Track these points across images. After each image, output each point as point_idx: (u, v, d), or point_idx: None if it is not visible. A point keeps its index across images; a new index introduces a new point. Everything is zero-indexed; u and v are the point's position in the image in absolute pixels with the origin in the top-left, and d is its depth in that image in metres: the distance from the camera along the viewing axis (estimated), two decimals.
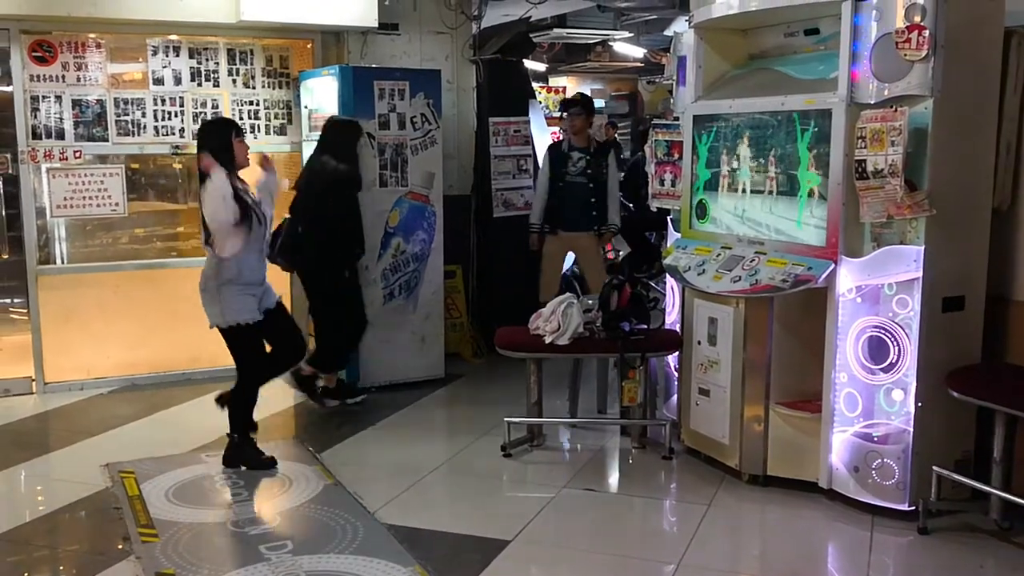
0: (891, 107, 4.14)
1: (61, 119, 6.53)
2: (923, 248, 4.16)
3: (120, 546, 4.20)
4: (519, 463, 5.32)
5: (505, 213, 7.69)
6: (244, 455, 5.11)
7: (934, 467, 4.25)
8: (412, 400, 6.48)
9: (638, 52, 14.40)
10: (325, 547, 4.26)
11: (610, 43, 14.07)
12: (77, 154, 6.57)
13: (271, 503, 4.73)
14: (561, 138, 9.88)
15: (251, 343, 5.02)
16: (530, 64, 11.40)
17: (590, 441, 5.67)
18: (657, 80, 17.28)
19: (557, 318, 5.27)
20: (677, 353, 5.39)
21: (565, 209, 6.94)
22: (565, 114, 7.04)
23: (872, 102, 4.24)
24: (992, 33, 4.32)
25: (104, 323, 6.79)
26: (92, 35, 6.58)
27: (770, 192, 4.77)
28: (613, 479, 5.27)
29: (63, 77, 6.52)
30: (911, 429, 4.26)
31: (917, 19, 4.05)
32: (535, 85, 12.82)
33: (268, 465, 5.10)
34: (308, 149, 6.97)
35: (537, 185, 7.17)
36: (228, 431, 5.15)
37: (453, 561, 4.07)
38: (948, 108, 4.14)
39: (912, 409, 4.25)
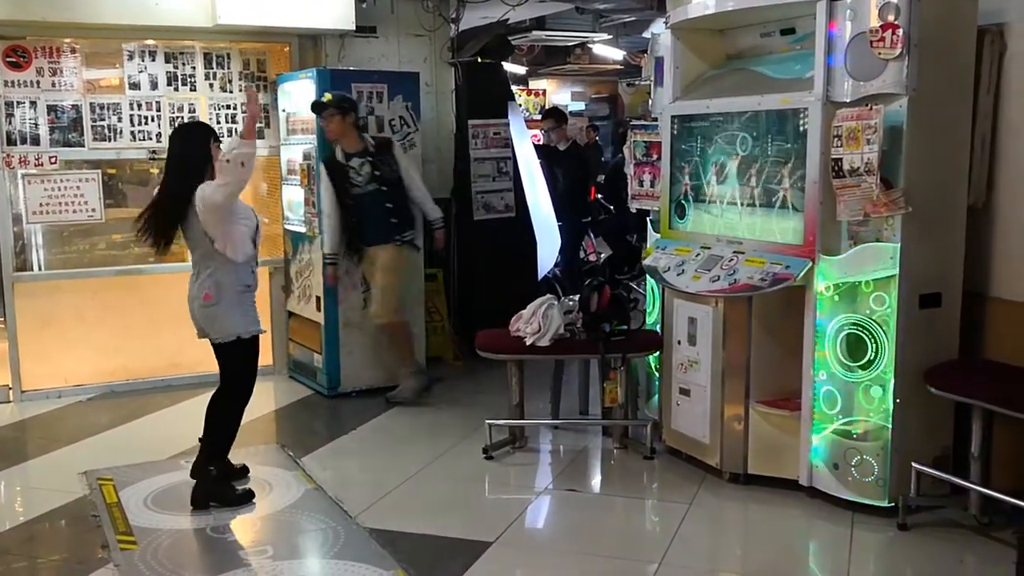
0: (866, 105, 4.16)
1: (36, 125, 6.48)
2: (900, 245, 4.19)
3: (99, 554, 4.16)
4: (501, 465, 5.31)
5: (485, 216, 7.68)
6: (220, 491, 4.71)
7: (913, 463, 4.27)
8: (393, 404, 6.45)
9: (617, 54, 14.45)
10: (306, 552, 4.25)
11: (589, 45, 14.12)
12: (53, 160, 6.52)
13: (251, 509, 4.69)
14: (541, 142, 9.97)
15: (257, 354, 4.77)
16: (510, 67, 11.43)
17: (572, 442, 5.67)
18: (637, 82, 17.35)
19: (538, 319, 5.27)
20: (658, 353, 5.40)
21: (364, 225, 6.25)
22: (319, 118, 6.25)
23: (847, 100, 4.26)
24: (966, 31, 4.35)
25: (82, 330, 6.74)
26: (67, 40, 6.53)
27: (750, 198, 4.79)
28: (595, 480, 5.27)
29: (38, 82, 6.47)
30: (890, 426, 4.28)
31: (891, 18, 4.08)
32: (515, 88, 12.89)
33: (248, 499, 4.75)
34: (286, 153, 6.97)
35: (324, 208, 6.30)
36: (199, 467, 4.76)
37: (435, 564, 4.06)
38: (923, 106, 4.16)
39: (891, 406, 4.27)
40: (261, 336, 4.76)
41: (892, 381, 4.25)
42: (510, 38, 8.97)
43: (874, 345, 4.28)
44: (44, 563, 4.24)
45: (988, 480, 4.25)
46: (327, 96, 6.17)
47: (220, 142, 4.72)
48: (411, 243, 6.44)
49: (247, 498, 4.74)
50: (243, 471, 5.02)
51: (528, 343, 5.22)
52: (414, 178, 6.41)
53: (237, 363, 4.69)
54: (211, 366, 4.86)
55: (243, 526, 4.52)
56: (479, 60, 7.85)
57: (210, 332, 4.64)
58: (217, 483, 4.73)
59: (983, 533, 4.22)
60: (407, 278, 6.55)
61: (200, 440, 4.87)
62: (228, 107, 7.00)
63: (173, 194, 4.58)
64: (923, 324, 4.31)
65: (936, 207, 4.30)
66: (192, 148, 4.60)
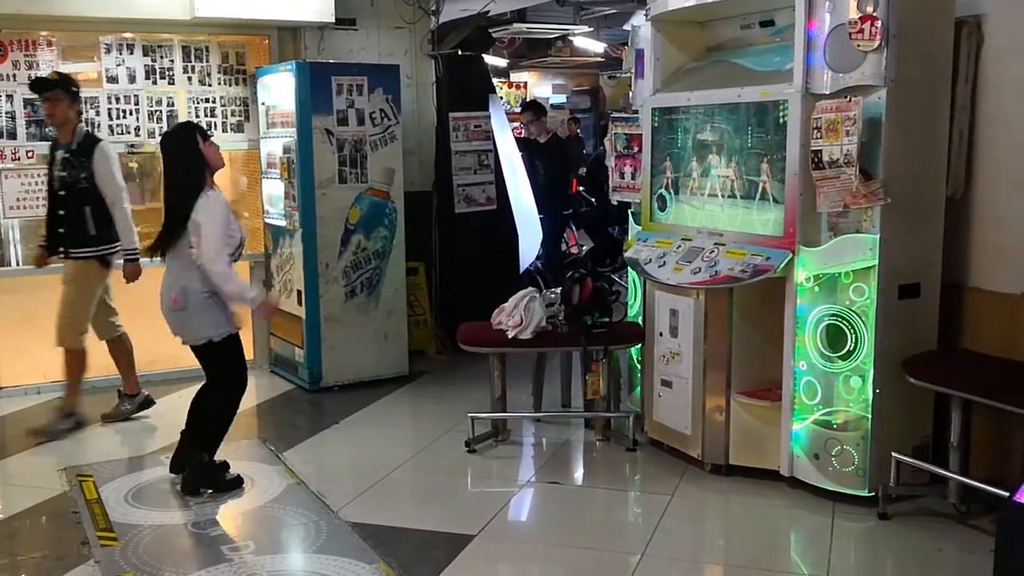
0: (845, 97, 4.18)
1: (13, 118, 6.41)
2: (879, 236, 4.21)
3: (80, 551, 4.14)
4: (484, 458, 5.31)
5: (467, 209, 7.66)
6: (211, 476, 4.76)
7: (893, 453, 4.30)
8: (376, 398, 6.44)
9: (598, 47, 14.48)
10: (288, 547, 4.24)
11: (570, 38, 14.13)
12: (30, 154, 6.46)
13: (233, 503, 4.68)
14: (523, 134, 9.97)
15: (240, 349, 4.76)
16: (491, 59, 11.41)
17: (555, 435, 5.68)
18: (618, 75, 17.38)
19: (520, 312, 5.27)
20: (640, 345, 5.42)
21: (64, 226, 5.63)
22: (42, 99, 5.67)
23: (827, 92, 4.28)
24: (943, 23, 4.37)
25: None
26: (43, 33, 6.47)
27: (730, 190, 4.80)
28: (578, 472, 5.28)
29: (14, 76, 6.40)
30: (870, 416, 4.30)
31: (869, 9, 4.09)
32: (496, 80, 12.86)
33: (237, 484, 4.79)
34: (266, 146, 6.93)
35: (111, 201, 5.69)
36: (182, 460, 4.82)
37: (418, 557, 4.05)
38: (901, 98, 4.18)
39: (870, 396, 4.29)
40: (242, 331, 4.75)
41: (872, 371, 4.28)
42: (491, 30, 8.96)
43: (854, 336, 4.31)
44: (24, 560, 4.20)
45: (967, 469, 4.29)
46: (53, 74, 5.72)
47: (210, 136, 4.72)
48: (105, 259, 5.69)
49: (237, 483, 4.76)
50: (223, 465, 5.00)
51: (510, 336, 5.22)
52: (112, 191, 5.58)
53: (216, 363, 4.70)
54: (191, 361, 4.86)
55: (225, 521, 4.50)
56: (460, 52, 7.82)
57: (181, 334, 4.68)
58: (208, 469, 4.74)
59: (962, 521, 4.26)
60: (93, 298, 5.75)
61: (182, 434, 4.85)
62: (207, 101, 6.96)
63: (177, 208, 4.58)
64: (902, 314, 4.33)
65: (915, 198, 4.33)
66: (184, 153, 4.60)
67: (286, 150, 6.59)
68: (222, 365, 4.72)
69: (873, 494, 4.34)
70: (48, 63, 6.48)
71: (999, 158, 4.44)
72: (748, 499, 4.61)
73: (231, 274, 4.56)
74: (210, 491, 4.72)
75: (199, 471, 4.74)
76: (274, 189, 6.88)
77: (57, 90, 5.56)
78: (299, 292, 6.58)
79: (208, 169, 4.62)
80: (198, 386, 4.88)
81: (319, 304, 6.53)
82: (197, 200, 4.51)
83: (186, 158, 4.60)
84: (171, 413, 5.14)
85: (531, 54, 16.08)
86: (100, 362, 6.78)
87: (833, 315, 4.36)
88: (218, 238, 4.48)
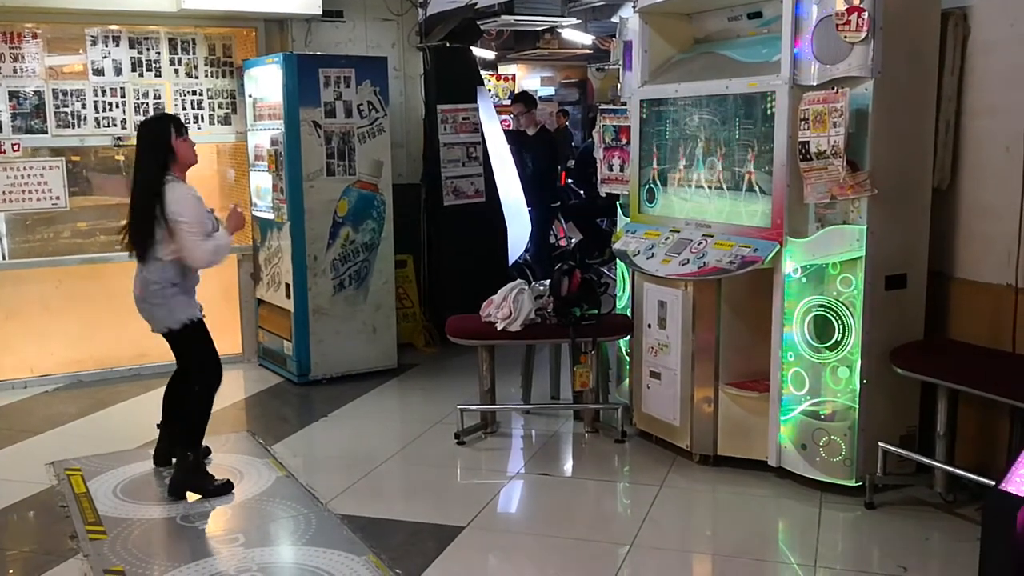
0: (832, 89, 4.19)
1: None
2: (866, 228, 4.22)
3: (68, 545, 4.13)
4: (473, 450, 5.32)
5: (455, 201, 7.66)
6: (199, 480, 4.67)
7: (880, 443, 4.32)
8: (364, 391, 6.45)
9: (586, 39, 14.47)
10: (278, 539, 4.24)
11: (558, 30, 14.12)
12: (15, 147, 6.42)
13: (222, 497, 4.67)
14: (511, 127, 9.96)
15: (205, 336, 4.74)
16: (479, 52, 11.39)
17: (544, 427, 5.69)
18: (606, 67, 17.38)
19: (509, 305, 5.27)
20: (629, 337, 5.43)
21: None
22: None
23: (814, 84, 4.29)
24: (930, 15, 4.39)
25: (47, 319, 6.66)
26: (28, 25, 6.42)
27: (718, 182, 4.81)
28: (567, 463, 5.29)
29: None
30: (857, 406, 4.33)
31: (856, 1, 4.10)
32: (485, 73, 12.85)
33: (227, 490, 4.68)
34: (253, 139, 6.91)
35: None
36: (167, 454, 4.86)
37: (407, 549, 4.06)
38: (888, 89, 4.20)
39: (857, 386, 4.32)
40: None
41: (859, 362, 4.30)
42: (478, 22, 8.94)
43: (841, 326, 4.33)
44: (13, 554, 4.19)
45: (953, 458, 4.32)
46: None
47: (185, 130, 4.70)
48: None
49: (226, 489, 4.67)
50: (205, 451, 4.99)
51: (499, 328, 5.23)
52: None
53: (184, 349, 4.77)
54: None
55: (214, 514, 4.49)
56: (447, 45, 7.81)
57: (149, 323, 4.76)
58: (196, 472, 4.69)
59: (948, 510, 4.29)
60: None
61: (159, 427, 4.85)
62: (194, 93, 6.93)
63: (141, 196, 4.58)
64: (889, 305, 4.36)
65: (901, 189, 4.34)
66: (154, 143, 4.60)
67: (274, 142, 6.57)
68: (195, 348, 4.73)
69: (860, 484, 4.37)
70: (33, 56, 6.44)
71: (985, 149, 4.46)
72: (736, 489, 4.64)
73: (216, 245, 4.62)
74: (198, 496, 4.63)
75: (187, 473, 4.64)
76: (262, 182, 6.86)
77: None
78: (287, 285, 6.57)
79: (175, 163, 4.59)
80: None
81: (307, 297, 6.52)
82: (161, 184, 4.51)
83: (153, 144, 4.60)
84: (159, 408, 5.12)
85: (519, 46, 16.07)
86: (98, 359, 6.81)
87: (820, 306, 4.38)
88: (196, 225, 4.52)
